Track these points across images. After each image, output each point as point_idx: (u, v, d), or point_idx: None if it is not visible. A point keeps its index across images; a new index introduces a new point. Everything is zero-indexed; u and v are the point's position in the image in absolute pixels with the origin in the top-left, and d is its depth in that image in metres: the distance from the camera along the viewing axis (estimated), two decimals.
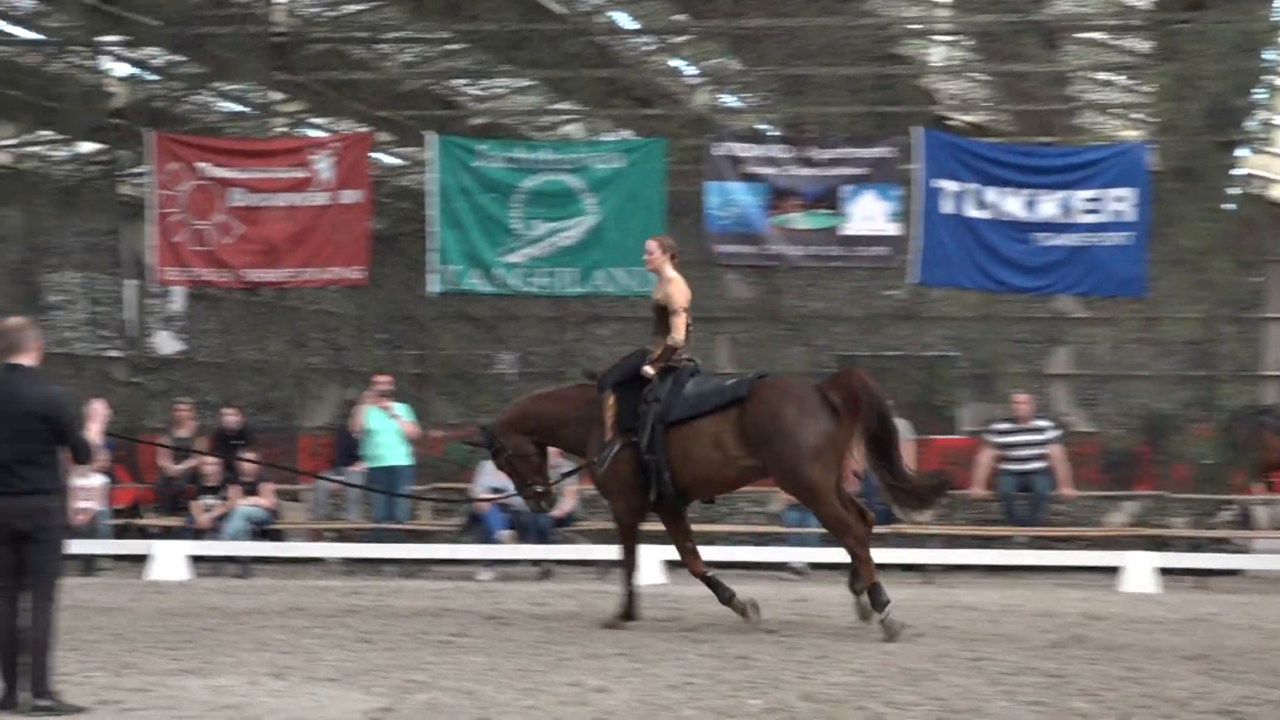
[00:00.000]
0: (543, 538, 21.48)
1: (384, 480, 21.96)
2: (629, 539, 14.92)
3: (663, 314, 14.43)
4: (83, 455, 11.55)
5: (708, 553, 16.18)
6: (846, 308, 26.54)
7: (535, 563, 21.53)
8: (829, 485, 14.09)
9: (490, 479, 21.51)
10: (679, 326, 14.39)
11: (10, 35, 25.97)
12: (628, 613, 14.73)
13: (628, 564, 14.74)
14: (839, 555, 15.83)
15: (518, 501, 20.79)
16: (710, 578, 14.61)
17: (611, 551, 20.68)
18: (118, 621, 16.26)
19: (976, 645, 14.39)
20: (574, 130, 29.57)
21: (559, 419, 15.26)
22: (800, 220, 22.81)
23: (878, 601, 13.35)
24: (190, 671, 13.11)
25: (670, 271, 14.46)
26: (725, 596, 14.56)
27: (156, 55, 26.17)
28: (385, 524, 22.14)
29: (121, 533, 22.25)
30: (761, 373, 15.11)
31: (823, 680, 11.66)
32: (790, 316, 25.30)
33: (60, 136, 26.18)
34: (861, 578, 13.81)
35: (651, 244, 14.66)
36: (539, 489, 15.40)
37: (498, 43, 26.02)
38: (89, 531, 21.03)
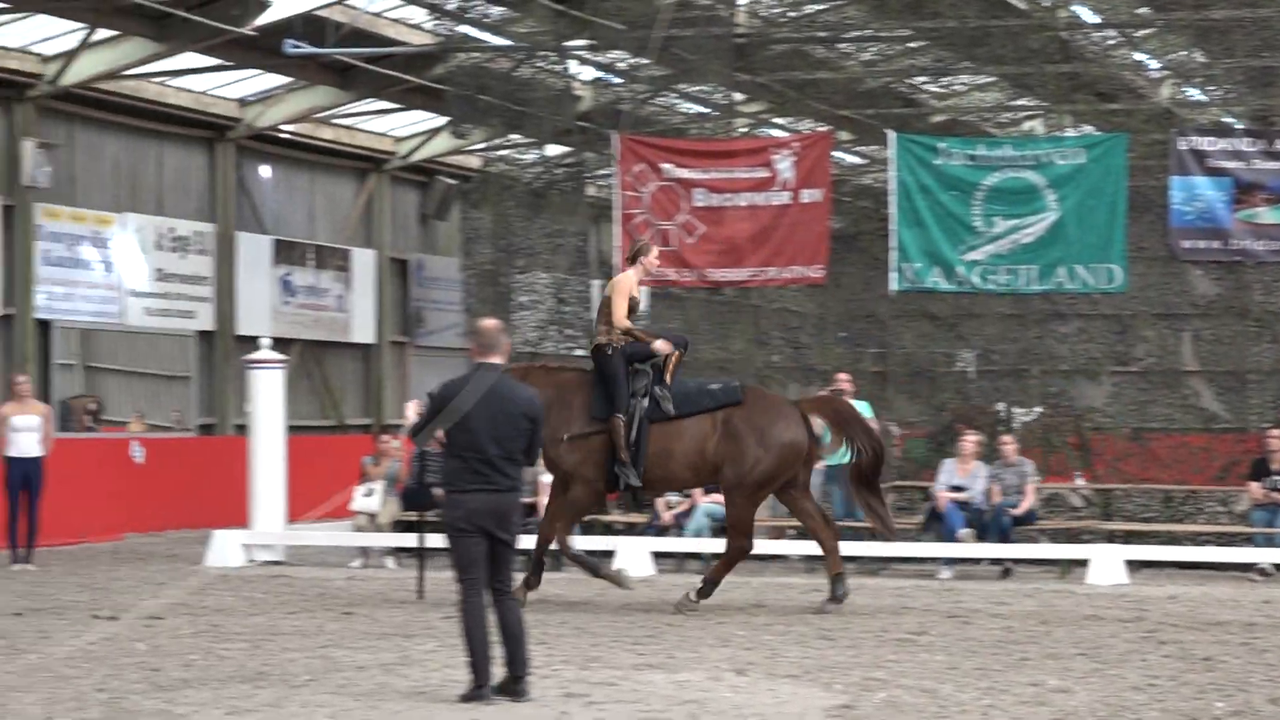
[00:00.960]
0: (1003, 536, 21.35)
1: (842, 478, 21.57)
2: (568, 523, 16.33)
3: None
4: (536, 456, 12.42)
5: (1173, 553, 16.34)
6: None
7: (995, 561, 21.49)
8: (765, 497, 16.63)
9: (950, 477, 21.88)
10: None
11: (481, 41, 27.03)
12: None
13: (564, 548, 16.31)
14: None
15: (979, 500, 21.16)
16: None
17: (1072, 551, 21.04)
18: (583, 616, 16.83)
19: None
20: (1035, 126, 29.40)
21: None
22: (1267, 215, 22.54)
23: None
24: (654, 666, 13.62)
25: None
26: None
27: (621, 59, 26.99)
28: (845, 521, 21.82)
29: (587, 529, 22.76)
30: (734, 381, 16.74)
31: None
32: (1258, 313, 25.01)
33: (529, 140, 26.97)
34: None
35: None
36: None
37: (959, 40, 26.03)
38: None
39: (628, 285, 16.45)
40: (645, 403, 15.69)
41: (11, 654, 13.80)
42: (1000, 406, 26.35)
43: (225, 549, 22.22)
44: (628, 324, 16.13)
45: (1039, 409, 26.27)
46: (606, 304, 16.41)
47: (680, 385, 16.41)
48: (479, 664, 11.43)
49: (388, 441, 24.31)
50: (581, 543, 22.15)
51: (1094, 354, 27.17)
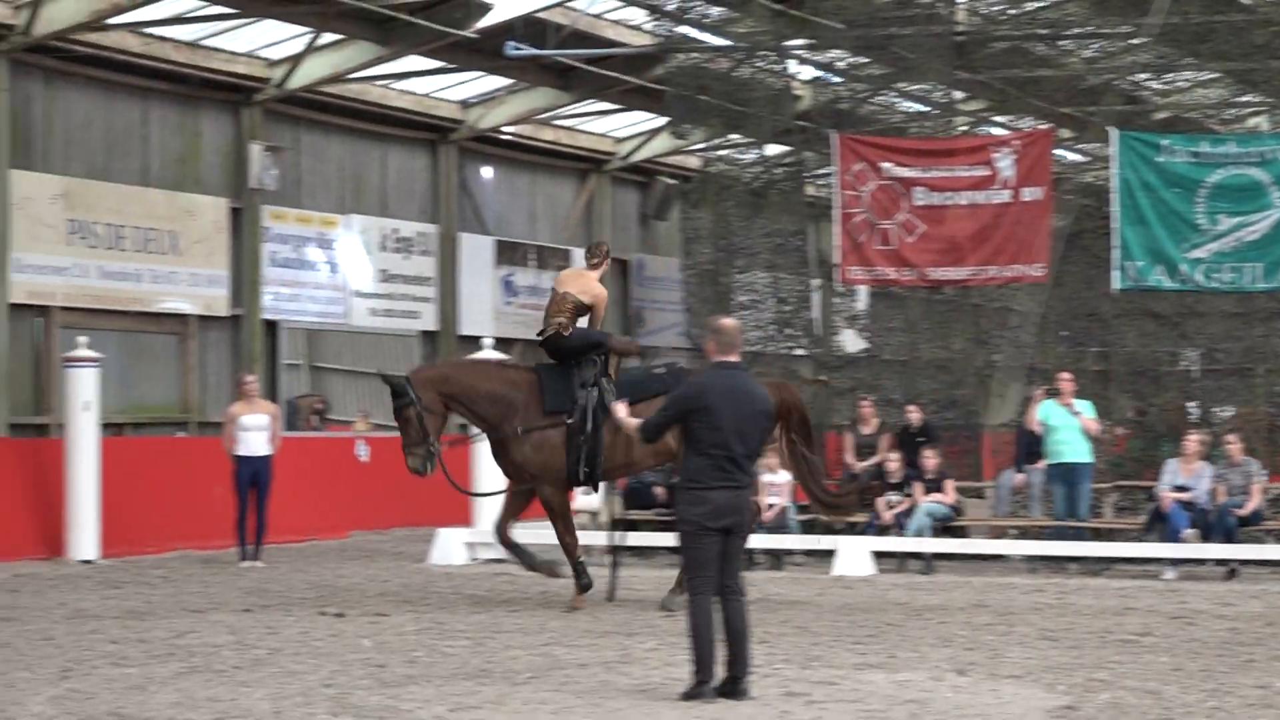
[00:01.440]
0: (1228, 537, 21.06)
1: (1064, 478, 21.99)
2: (565, 519, 16.47)
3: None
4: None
5: None
6: None
7: (1220, 562, 21.16)
8: None
9: (1174, 477, 21.61)
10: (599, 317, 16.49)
11: (700, 42, 27.27)
12: (583, 585, 16.15)
13: (569, 544, 16.30)
14: None
15: (1204, 500, 20.97)
16: (515, 544, 16.32)
17: None
18: (804, 615, 16.97)
19: None
20: (1260, 123, 29.00)
21: (480, 393, 16.35)
22: None
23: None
24: (874, 666, 13.67)
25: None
26: (529, 563, 16.33)
27: (841, 58, 27.04)
28: (1067, 521, 22.03)
29: (808, 528, 22.89)
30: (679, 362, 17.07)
31: None
32: None
33: (748, 140, 27.15)
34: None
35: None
36: (429, 449, 16.07)
37: (1182, 36, 25.67)
38: (777, 527, 22.13)
39: (585, 281, 16.72)
40: (595, 393, 15.96)
41: (240, 649, 14.28)
42: (1191, 405, 26.25)
43: (449, 547, 22.68)
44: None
45: (1232, 408, 26.23)
46: (562, 298, 16.49)
47: (626, 374, 16.85)
48: (703, 662, 11.56)
49: None
50: (802, 543, 22.68)
51: None
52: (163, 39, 25.96)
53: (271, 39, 27.81)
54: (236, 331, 28.59)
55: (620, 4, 28.46)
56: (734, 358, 11.73)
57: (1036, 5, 27.03)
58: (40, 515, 22.89)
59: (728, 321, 12.31)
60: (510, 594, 19.95)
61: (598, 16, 28.86)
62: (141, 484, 23.99)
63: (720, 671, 11.66)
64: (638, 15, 28.65)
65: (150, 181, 26.54)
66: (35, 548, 22.59)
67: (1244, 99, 30.00)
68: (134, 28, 25.66)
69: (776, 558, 22.11)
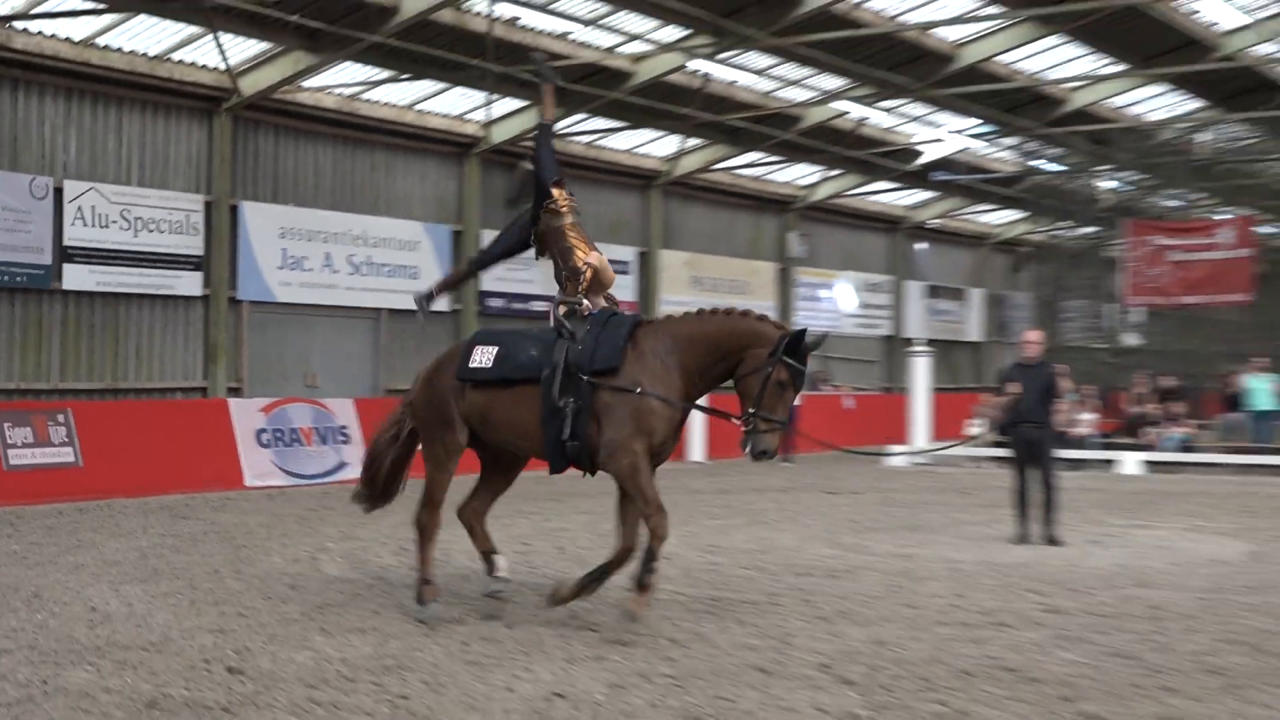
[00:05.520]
0: None
1: (1258, 419, 24.18)
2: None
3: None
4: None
5: None
6: None
7: None
8: None
9: None
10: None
11: (1044, 170, 30.53)
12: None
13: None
14: None
15: None
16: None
17: None
18: (1095, 497, 18.01)
19: None
20: None
21: None
22: None
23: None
24: (1136, 526, 14.93)
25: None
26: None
27: (1128, 175, 30.00)
28: (1260, 444, 23.77)
29: (1102, 447, 23.99)
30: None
31: None
32: None
33: (1073, 224, 29.79)
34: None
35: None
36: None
37: None
38: (1079, 444, 22.84)
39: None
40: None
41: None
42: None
43: (897, 458, 25.04)
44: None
45: None
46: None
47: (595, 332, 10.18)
48: (1022, 517, 13.17)
49: (985, 400, 22.60)
50: (1104, 455, 23.39)
51: None
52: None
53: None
54: None
55: (987, 143, 31.43)
56: (1033, 356, 13.57)
57: (1249, 141, 29.61)
58: None
59: (1031, 334, 14.48)
60: (931, 482, 21.91)
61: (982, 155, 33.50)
62: None
63: (1038, 529, 13.26)
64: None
65: None
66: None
67: None
68: None
69: (1077, 465, 21.67)
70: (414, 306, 10.27)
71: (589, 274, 9.20)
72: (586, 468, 8.94)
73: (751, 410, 8.56)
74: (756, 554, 12.63)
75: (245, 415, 19.65)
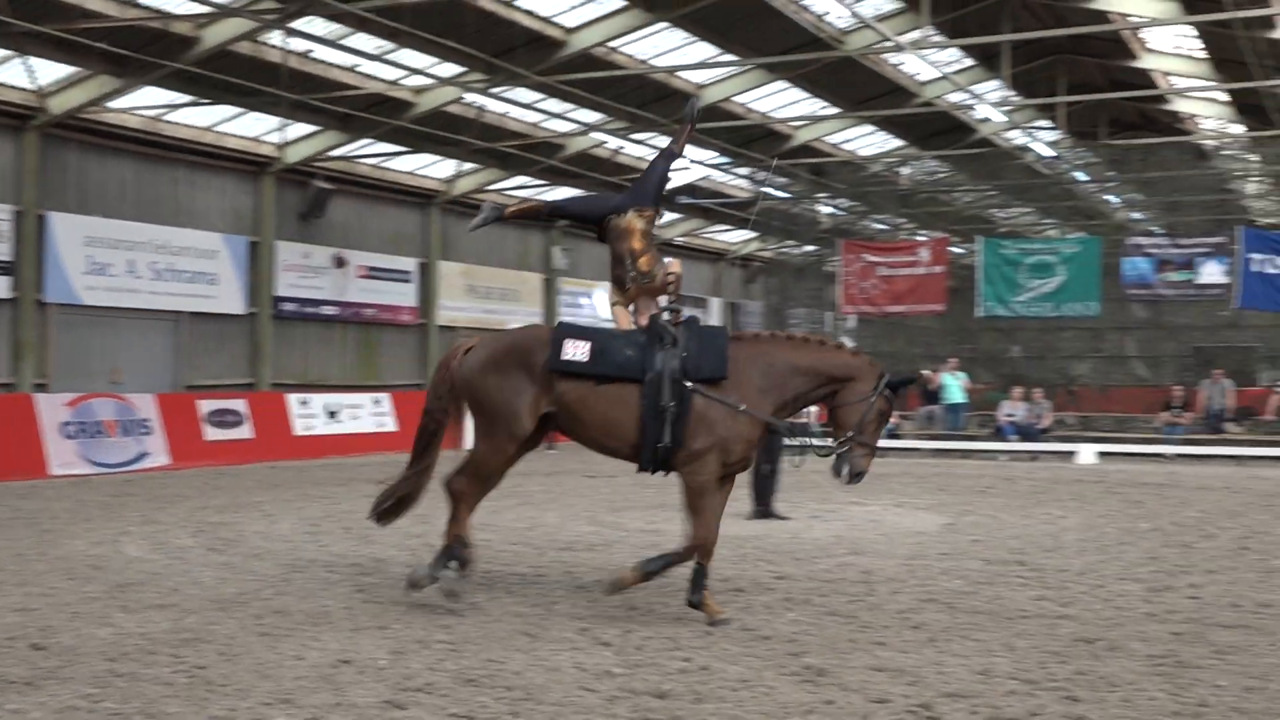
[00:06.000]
0: (1030, 439, 23.29)
1: (952, 410, 25.60)
2: None
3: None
4: None
5: None
6: (1198, 320, 28.62)
7: (1029, 452, 23.00)
8: None
9: (1006, 409, 24.33)
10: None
11: (773, 195, 30.36)
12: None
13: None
14: None
15: (1021, 420, 24.15)
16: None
17: None
18: (815, 478, 13.69)
19: None
20: (1053, 232, 32.61)
21: None
22: (1174, 276, 25.39)
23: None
24: (850, 503, 12.35)
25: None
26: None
27: (843, 202, 30.65)
28: (953, 432, 26.02)
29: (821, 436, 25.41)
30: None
31: None
32: (1167, 325, 28.73)
33: (797, 242, 30.23)
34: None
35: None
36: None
37: (1009, 190, 30.32)
38: (805, 433, 21.91)
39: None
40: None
41: None
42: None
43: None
44: None
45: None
46: None
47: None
48: (757, 496, 13.10)
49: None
50: None
51: (1082, 349, 30.41)
52: None
53: None
54: None
55: (724, 172, 30.91)
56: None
57: (943, 174, 30.61)
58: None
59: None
60: None
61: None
62: None
63: (767, 506, 13.30)
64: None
65: None
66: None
67: (1046, 220, 34.17)
68: None
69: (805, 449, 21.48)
70: (481, 213, 9.01)
71: (677, 281, 8.65)
72: (664, 469, 8.30)
73: (850, 435, 8.24)
74: (524, 531, 12.52)
75: (51, 409, 18.98)
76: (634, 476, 13.59)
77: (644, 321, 8.47)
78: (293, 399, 23.92)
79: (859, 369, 8.41)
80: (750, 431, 8.18)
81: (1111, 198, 31.89)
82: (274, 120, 24.88)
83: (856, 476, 8.25)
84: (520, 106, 25.51)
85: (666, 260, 8.73)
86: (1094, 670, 6.99)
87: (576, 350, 8.15)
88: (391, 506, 8.67)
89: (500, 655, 7.28)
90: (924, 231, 31.11)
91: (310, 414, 23.92)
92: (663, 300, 8.57)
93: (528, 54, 23.01)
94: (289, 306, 26.94)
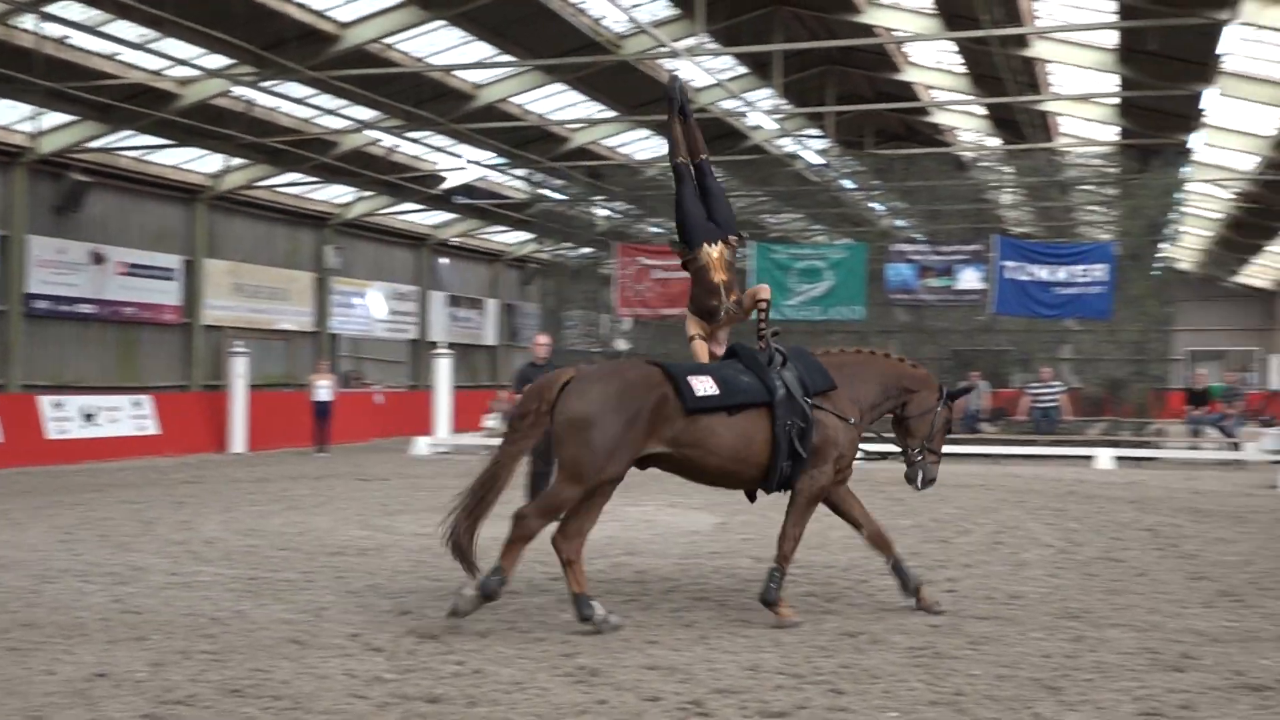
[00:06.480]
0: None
1: None
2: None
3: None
4: None
5: None
6: (957, 324, 28.38)
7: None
8: None
9: None
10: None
11: (550, 196, 30.80)
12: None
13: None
14: None
15: None
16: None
17: None
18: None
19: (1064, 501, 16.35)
20: (821, 238, 32.41)
21: None
22: (934, 282, 25.59)
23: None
24: (626, 504, 11.48)
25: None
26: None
27: (619, 206, 30.38)
28: None
29: None
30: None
31: None
32: (929, 329, 28.25)
33: (574, 245, 29.33)
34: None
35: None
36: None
37: (779, 196, 30.73)
38: None
39: None
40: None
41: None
42: None
43: (421, 447, 24.73)
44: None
45: None
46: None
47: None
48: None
49: (501, 397, 25.40)
50: None
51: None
52: None
53: None
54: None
55: (506, 174, 30.96)
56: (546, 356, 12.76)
57: (722, 179, 31.39)
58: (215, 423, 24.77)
59: (543, 338, 13.66)
60: (449, 468, 24.17)
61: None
62: None
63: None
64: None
65: None
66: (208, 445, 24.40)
67: (816, 226, 34.48)
68: None
69: None
70: (671, 83, 8.82)
71: (768, 305, 8.65)
72: (785, 487, 8.33)
73: (924, 444, 8.59)
74: (293, 536, 12.31)
75: None
76: (407, 479, 16.08)
77: (720, 351, 8.53)
78: (45, 401, 23.02)
79: (924, 381, 8.78)
80: (856, 440, 8.41)
81: (877, 205, 32.44)
82: (26, 109, 23.95)
83: (929, 483, 8.58)
84: (292, 101, 25.06)
85: (757, 286, 8.88)
86: (857, 663, 7.18)
87: (704, 386, 8.04)
88: (461, 541, 8.06)
89: (267, 664, 7.11)
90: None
91: (65, 417, 23.13)
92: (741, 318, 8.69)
93: (300, 48, 22.58)
94: (42, 304, 25.89)
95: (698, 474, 8.27)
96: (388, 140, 27.79)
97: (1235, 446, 23.94)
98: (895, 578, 8.64)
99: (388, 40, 23.63)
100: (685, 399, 7.94)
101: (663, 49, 22.56)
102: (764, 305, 8.58)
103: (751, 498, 8.67)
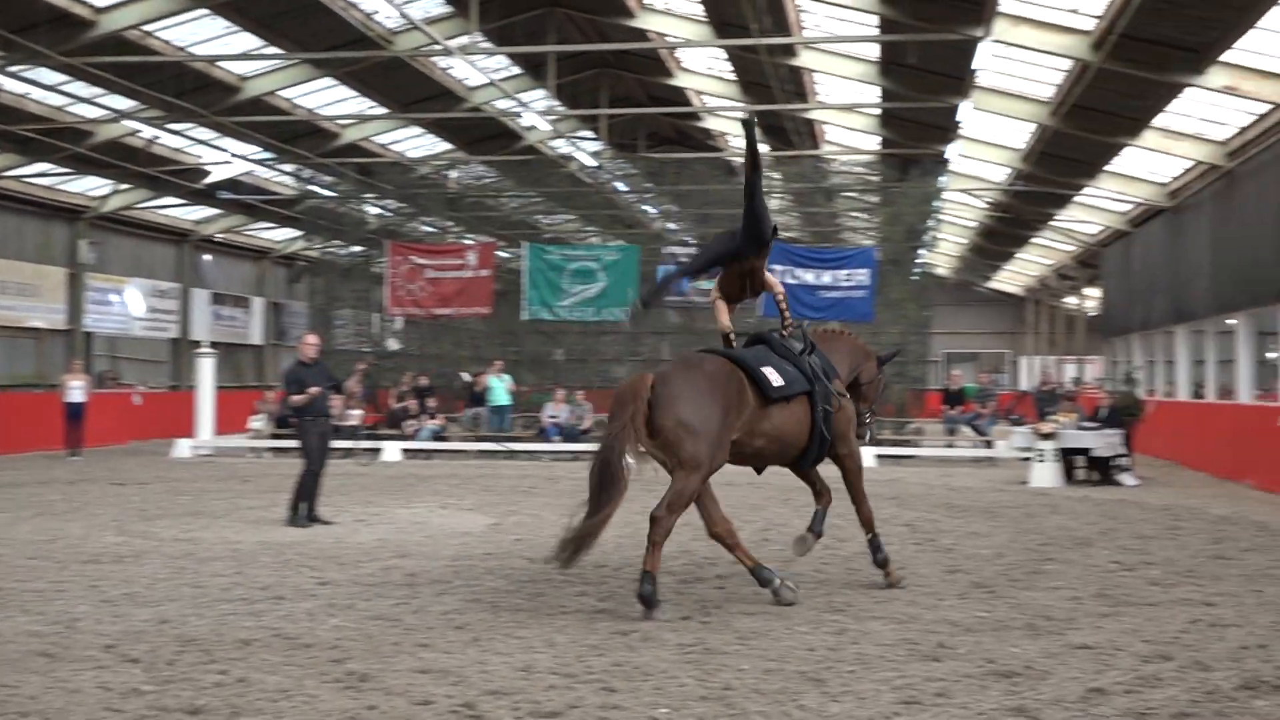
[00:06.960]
0: (573, 440, 24.93)
1: (498, 412, 25.36)
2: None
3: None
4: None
5: None
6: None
7: (573, 453, 24.66)
8: None
9: (550, 410, 25.34)
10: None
11: (319, 192, 29.89)
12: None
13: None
14: None
15: (565, 421, 24.96)
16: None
17: None
18: (361, 481, 18.31)
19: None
20: (595, 240, 32.99)
21: None
22: (704, 284, 23.76)
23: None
24: (397, 506, 14.93)
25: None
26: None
27: (390, 204, 29.95)
28: (499, 433, 24.83)
29: (368, 438, 24.12)
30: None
31: None
32: (698, 330, 29.61)
33: (345, 243, 28.57)
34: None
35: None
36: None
37: (554, 198, 30.80)
38: (350, 435, 22.54)
39: None
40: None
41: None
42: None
43: (183, 449, 24.30)
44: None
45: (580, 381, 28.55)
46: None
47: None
48: (302, 501, 12.91)
49: (268, 397, 26.03)
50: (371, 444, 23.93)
51: (621, 352, 31.62)
52: None
53: None
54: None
55: (274, 169, 30.45)
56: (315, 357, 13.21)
57: (490, 179, 30.36)
58: None
59: (312, 338, 13.86)
60: (212, 470, 23.63)
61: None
62: None
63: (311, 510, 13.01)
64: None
65: None
66: None
67: (589, 228, 34.88)
68: None
69: (350, 452, 21.36)
70: (630, 310, 8.73)
71: (785, 298, 9.60)
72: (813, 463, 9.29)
73: (872, 409, 9.77)
74: (43, 544, 11.89)
75: None
76: (168, 483, 16.14)
77: (725, 320, 9.47)
78: None
79: (868, 353, 9.85)
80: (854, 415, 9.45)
81: (649, 208, 32.95)
82: None
83: (873, 441, 9.20)
84: (42, 88, 23.90)
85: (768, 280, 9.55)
86: (629, 661, 7.28)
87: (776, 377, 8.76)
88: (575, 550, 8.27)
89: (13, 679, 6.78)
90: (471, 235, 31.24)
91: None
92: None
93: (51, 32, 21.55)
94: None
95: (754, 459, 9.04)
96: (148, 131, 27.00)
97: (988, 445, 24.69)
98: (881, 557, 9.64)
99: (147, 27, 22.78)
100: (765, 389, 8.65)
101: (435, 47, 22.42)
102: (780, 297, 9.54)
103: (759, 470, 9.45)
